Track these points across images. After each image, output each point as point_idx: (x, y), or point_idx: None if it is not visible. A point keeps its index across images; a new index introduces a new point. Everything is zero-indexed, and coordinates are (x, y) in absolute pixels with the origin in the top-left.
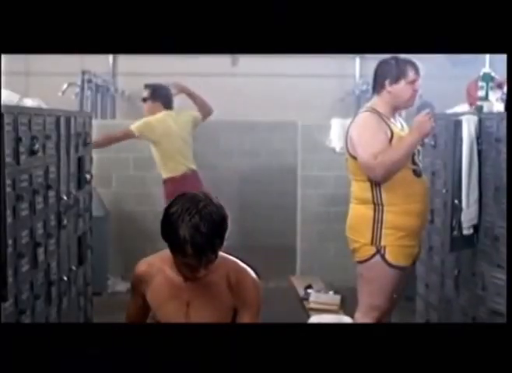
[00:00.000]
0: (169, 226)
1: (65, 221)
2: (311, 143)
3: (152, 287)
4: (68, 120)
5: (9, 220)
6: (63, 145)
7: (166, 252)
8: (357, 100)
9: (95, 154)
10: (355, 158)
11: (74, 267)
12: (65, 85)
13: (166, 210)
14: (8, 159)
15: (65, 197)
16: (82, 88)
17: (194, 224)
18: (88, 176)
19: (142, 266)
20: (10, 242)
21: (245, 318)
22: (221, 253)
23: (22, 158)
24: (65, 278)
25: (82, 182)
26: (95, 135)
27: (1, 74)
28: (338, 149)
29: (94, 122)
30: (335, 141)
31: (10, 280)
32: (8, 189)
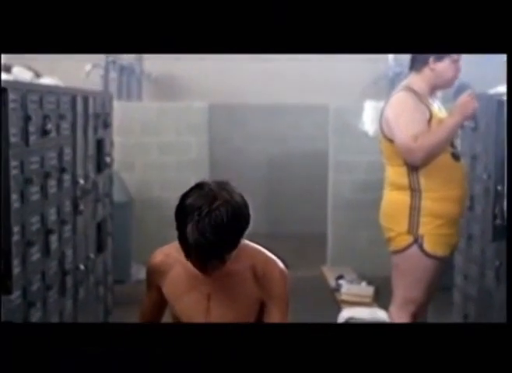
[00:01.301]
0: (178, 219)
1: (82, 207)
2: (343, 127)
3: (169, 278)
4: (85, 100)
5: (17, 205)
6: (80, 126)
7: None
8: (390, 83)
9: (117, 138)
10: (391, 140)
11: (92, 255)
12: (89, 67)
13: (182, 198)
14: (14, 139)
15: (82, 181)
16: (107, 70)
17: (200, 229)
18: (108, 160)
19: (158, 256)
20: (17, 228)
21: (274, 312)
22: (246, 242)
23: (33, 138)
24: (82, 267)
25: (101, 165)
26: (119, 117)
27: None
28: (371, 133)
29: (119, 104)
30: (368, 124)
31: (17, 270)
32: (15, 172)
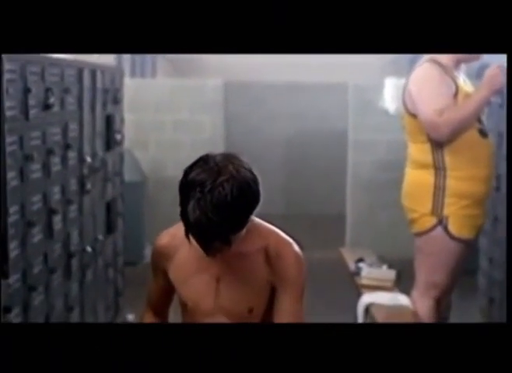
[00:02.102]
0: (181, 195)
1: (89, 186)
2: (363, 104)
3: (176, 260)
4: (93, 74)
5: (15, 183)
6: (87, 101)
7: None
8: (410, 62)
9: (130, 115)
10: (414, 116)
11: (101, 237)
12: None
13: (185, 172)
14: (12, 112)
15: (89, 159)
16: None
17: (202, 207)
18: (118, 137)
19: (164, 237)
20: (16, 208)
21: (285, 298)
22: (259, 221)
23: (33, 112)
24: (89, 249)
25: (110, 143)
26: (133, 94)
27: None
28: (391, 111)
29: (133, 81)
30: (389, 102)
31: (16, 252)
32: (13, 147)
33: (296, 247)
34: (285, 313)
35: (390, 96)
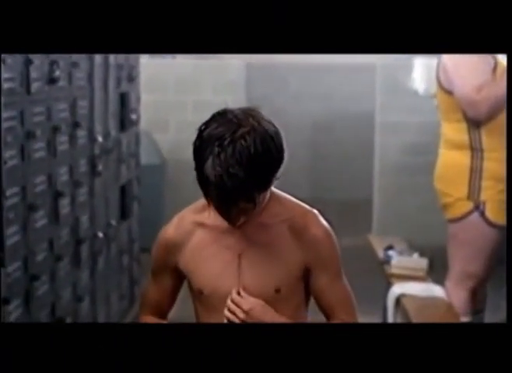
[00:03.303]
0: (196, 155)
1: (100, 167)
2: (391, 85)
3: (188, 248)
4: None
5: (14, 162)
6: (98, 77)
7: (203, 200)
8: None
9: (149, 96)
10: (449, 92)
11: (114, 222)
12: None
13: (200, 130)
14: (11, 85)
15: (100, 139)
16: None
17: (223, 162)
18: (134, 117)
19: (169, 230)
20: (16, 189)
21: (323, 278)
22: (282, 193)
23: (36, 85)
24: (101, 235)
25: (125, 122)
26: (152, 74)
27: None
28: (421, 91)
29: (153, 60)
30: (418, 82)
31: (16, 238)
32: (13, 123)
33: (323, 220)
34: (328, 294)
35: (419, 76)
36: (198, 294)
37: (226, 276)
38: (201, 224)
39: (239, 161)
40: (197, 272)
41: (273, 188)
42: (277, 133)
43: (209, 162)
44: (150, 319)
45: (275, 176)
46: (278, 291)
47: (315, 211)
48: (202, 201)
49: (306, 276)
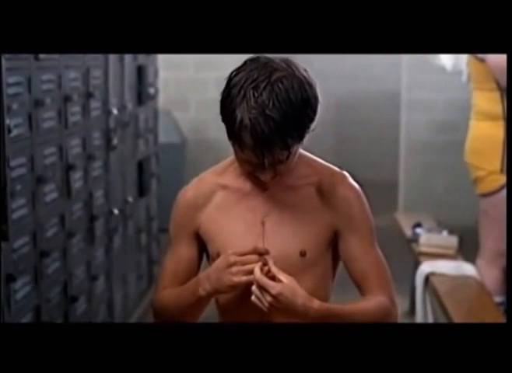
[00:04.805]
0: (226, 103)
1: (116, 141)
2: (417, 61)
3: (209, 209)
4: None
5: (20, 130)
6: None
7: (225, 162)
8: None
9: (169, 73)
10: (482, 60)
11: (131, 199)
12: None
13: (229, 78)
14: None
15: (115, 111)
16: None
17: (259, 104)
18: (152, 91)
19: (189, 191)
20: (23, 160)
21: (355, 243)
22: (310, 155)
23: None
24: (116, 211)
25: (143, 96)
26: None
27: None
28: (448, 67)
29: None
30: (446, 58)
31: (23, 212)
32: (19, 89)
33: (353, 180)
34: (361, 262)
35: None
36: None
37: (249, 237)
38: (223, 186)
39: (276, 104)
40: (218, 233)
41: (301, 151)
42: (313, 82)
43: (243, 106)
44: (166, 293)
45: (309, 126)
46: (303, 254)
47: (345, 173)
48: (223, 165)
49: (334, 241)
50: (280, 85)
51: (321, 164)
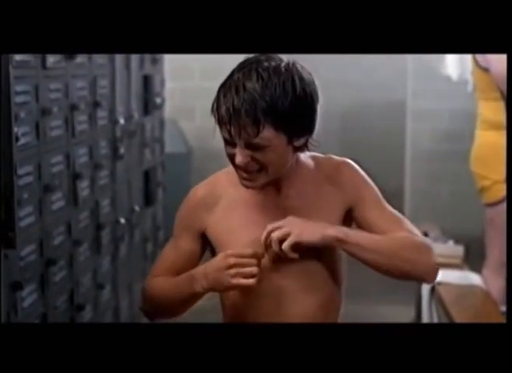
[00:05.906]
0: (218, 92)
1: (122, 150)
2: (423, 70)
3: (220, 209)
4: None
5: (27, 139)
6: (120, 56)
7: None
8: None
9: (175, 83)
10: (486, 70)
11: (137, 208)
12: None
13: (231, 73)
14: (25, 57)
15: (122, 121)
16: None
17: (239, 80)
18: (158, 100)
19: (201, 188)
20: (30, 168)
21: (369, 212)
22: (315, 153)
23: (52, 60)
24: (123, 220)
25: (149, 106)
26: (177, 60)
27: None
28: (454, 77)
29: None
30: (451, 67)
31: (30, 220)
32: (26, 98)
33: (358, 168)
34: (382, 221)
35: (452, 61)
36: None
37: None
38: (234, 185)
39: (254, 78)
40: (229, 237)
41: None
42: (307, 79)
43: (228, 83)
44: (159, 281)
45: (291, 119)
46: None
47: (349, 160)
48: None
49: (349, 219)
50: (267, 67)
51: (326, 157)
